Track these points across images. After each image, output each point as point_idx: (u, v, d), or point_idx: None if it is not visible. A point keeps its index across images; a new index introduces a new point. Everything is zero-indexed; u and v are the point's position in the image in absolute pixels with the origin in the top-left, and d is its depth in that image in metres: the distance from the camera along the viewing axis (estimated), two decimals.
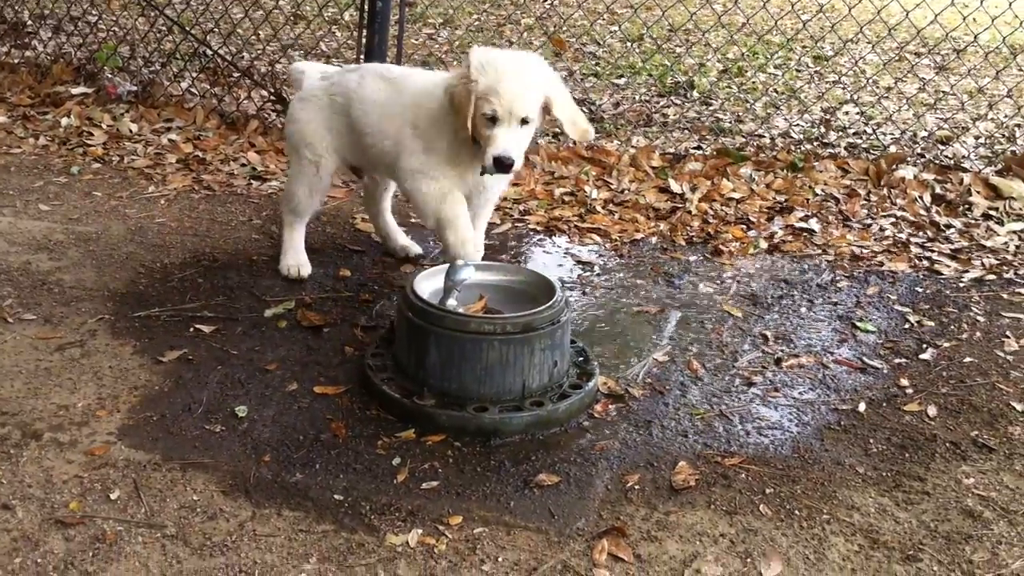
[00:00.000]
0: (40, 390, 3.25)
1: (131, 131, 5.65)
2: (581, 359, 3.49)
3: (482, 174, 3.68)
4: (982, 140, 6.01)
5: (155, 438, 3.05)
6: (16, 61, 6.52)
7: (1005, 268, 4.46)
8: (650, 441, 3.16)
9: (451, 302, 3.33)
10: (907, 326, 3.97)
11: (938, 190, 5.15)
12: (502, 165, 3.52)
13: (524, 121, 3.54)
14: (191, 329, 3.69)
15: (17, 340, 3.54)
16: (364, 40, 5.34)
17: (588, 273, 4.35)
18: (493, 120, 3.51)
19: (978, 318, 4.04)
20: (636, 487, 2.93)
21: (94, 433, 3.05)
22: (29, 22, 7.26)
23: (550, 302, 3.29)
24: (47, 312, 3.75)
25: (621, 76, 7.15)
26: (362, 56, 5.37)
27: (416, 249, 4.41)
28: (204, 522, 2.70)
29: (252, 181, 5.14)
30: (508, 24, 8.17)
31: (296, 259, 4.18)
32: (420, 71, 4.07)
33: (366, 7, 5.30)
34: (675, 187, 5.16)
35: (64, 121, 5.73)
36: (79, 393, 3.25)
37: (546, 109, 3.61)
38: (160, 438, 3.05)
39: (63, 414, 3.14)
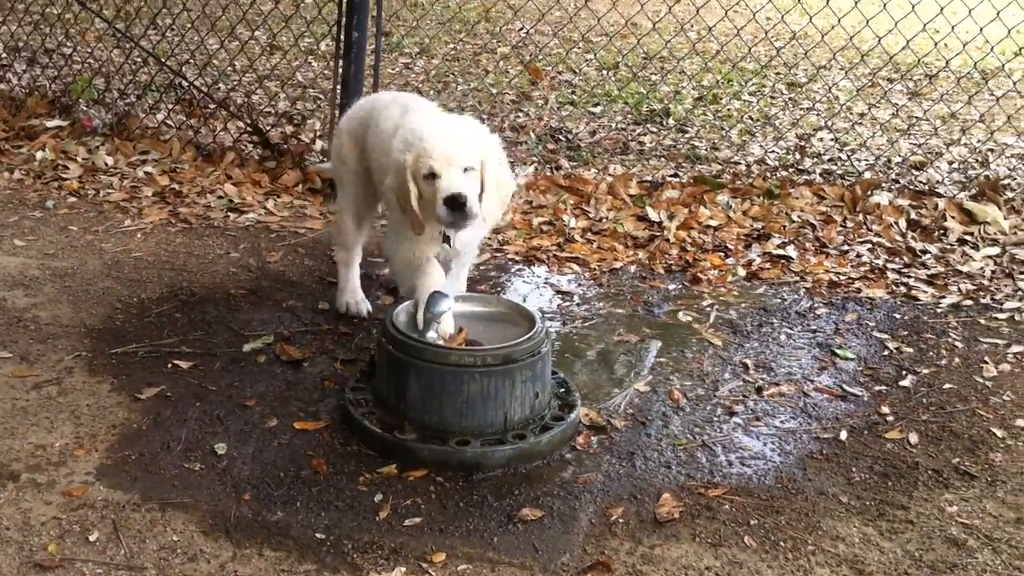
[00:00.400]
0: (17, 430, 3.22)
1: (107, 164, 5.62)
2: (562, 390, 3.48)
3: (445, 241, 3.50)
4: (955, 165, 6.06)
5: (134, 477, 3.02)
6: None
7: (982, 293, 4.49)
8: (633, 473, 3.15)
9: (431, 334, 3.32)
10: (886, 353, 3.99)
11: (913, 216, 5.19)
12: (455, 203, 3.27)
13: (465, 170, 3.32)
14: (169, 365, 3.66)
15: None
16: (340, 70, 5.34)
17: (568, 303, 4.35)
18: (433, 176, 3.32)
19: (956, 344, 4.06)
20: (620, 520, 2.92)
21: (72, 473, 3.02)
22: (3, 55, 7.23)
23: (530, 333, 3.28)
24: (23, 350, 3.71)
25: (597, 104, 7.18)
26: (339, 86, 5.37)
27: None
28: (184, 563, 2.67)
29: (229, 213, 5.12)
30: (484, 53, 8.20)
31: (353, 296, 4.11)
32: (427, 111, 3.75)
33: (342, 37, 5.30)
34: (653, 215, 5.17)
35: (39, 155, 5.69)
36: (56, 432, 3.21)
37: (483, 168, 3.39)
38: (139, 477, 3.02)
39: (40, 454, 3.10)
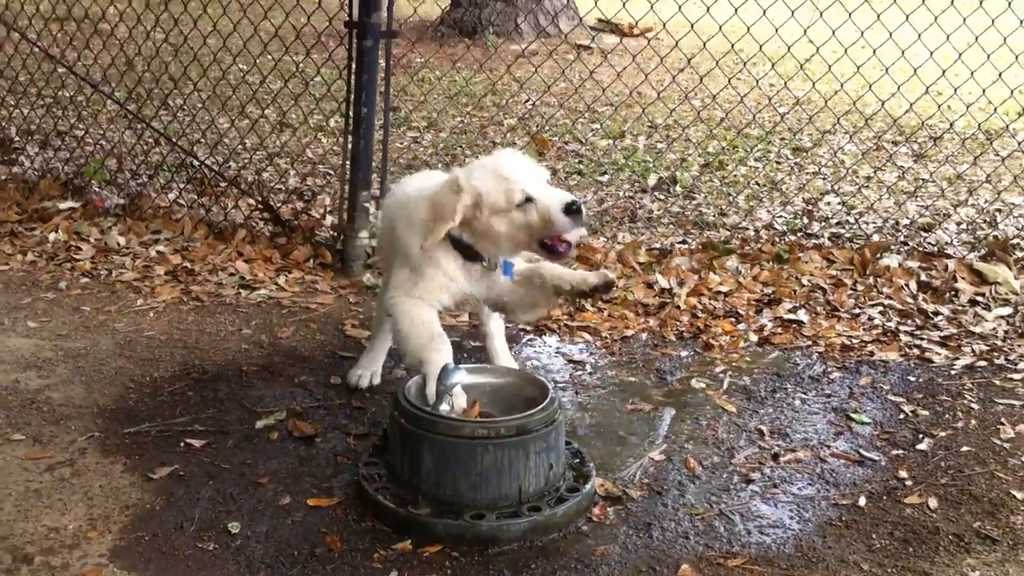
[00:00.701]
0: (30, 512, 3.21)
1: (119, 244, 5.66)
2: (577, 460, 3.46)
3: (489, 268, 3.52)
4: (964, 226, 6.08)
5: (147, 559, 3.00)
6: (3, 177, 6.55)
7: (996, 354, 4.47)
8: (651, 544, 3.12)
9: (443, 407, 3.31)
10: (902, 416, 3.96)
11: (923, 277, 5.19)
12: (573, 207, 3.29)
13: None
14: (182, 444, 3.65)
15: (6, 461, 3.50)
16: (350, 145, 5.40)
17: (580, 372, 4.34)
18: (528, 200, 3.34)
19: (972, 405, 4.03)
20: None
21: (85, 555, 3.00)
22: (16, 138, 7.33)
23: (543, 404, 3.27)
24: (36, 431, 3.71)
25: (604, 173, 7.23)
26: (348, 161, 5.42)
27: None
28: None
29: (241, 290, 5.14)
30: (491, 125, 8.29)
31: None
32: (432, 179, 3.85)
33: (351, 113, 5.37)
34: (663, 282, 5.18)
35: (52, 236, 5.74)
36: (70, 514, 3.20)
37: None
38: (152, 559, 3.00)
39: (54, 536, 3.09)
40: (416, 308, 3.52)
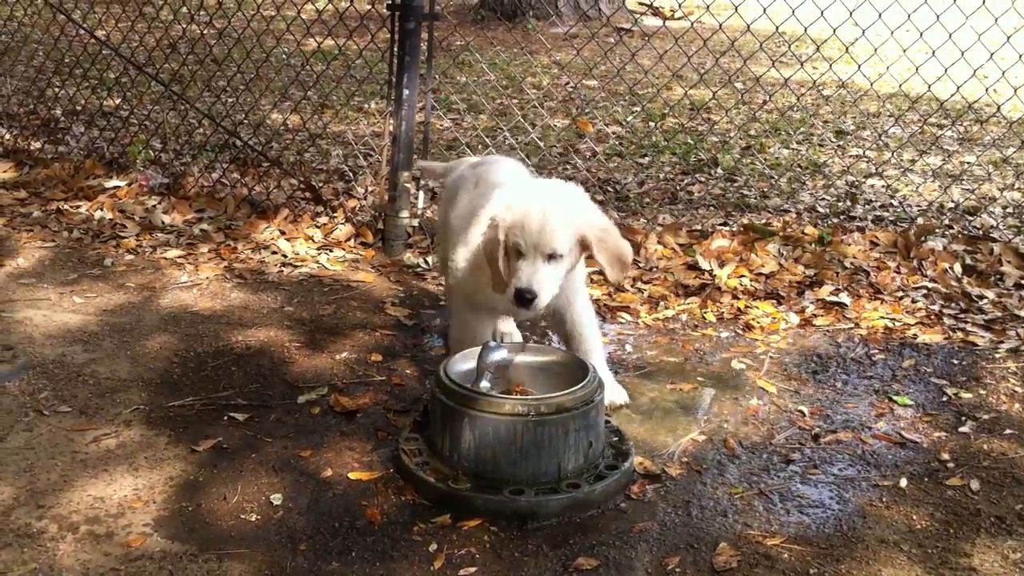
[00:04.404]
0: (76, 482, 3.26)
1: (163, 222, 5.72)
2: (616, 439, 3.46)
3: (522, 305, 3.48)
4: (1009, 209, 6.00)
5: (191, 528, 3.04)
6: (50, 156, 6.64)
7: None
8: (689, 522, 3.12)
9: (484, 384, 3.33)
10: (944, 399, 3.93)
11: (968, 260, 5.13)
12: (521, 299, 3.37)
13: (552, 257, 3.41)
14: (225, 417, 3.69)
15: (53, 432, 3.56)
16: (391, 127, 5.42)
17: (619, 351, 4.33)
18: (519, 253, 3.41)
19: (1016, 389, 3.99)
20: (677, 570, 2.89)
21: (130, 524, 3.05)
22: (62, 118, 7.42)
23: (583, 382, 3.28)
24: (82, 404, 3.77)
25: (645, 155, 7.21)
26: (389, 142, 5.44)
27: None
28: None
29: (283, 268, 5.18)
30: (531, 107, 8.27)
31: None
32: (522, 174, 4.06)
33: (393, 95, 5.38)
34: (703, 264, 5.16)
35: (97, 214, 5.81)
36: (115, 484, 3.25)
37: (584, 245, 3.49)
38: (196, 528, 3.04)
39: (99, 506, 3.13)
40: (472, 318, 3.75)
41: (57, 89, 7.70)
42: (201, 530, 3.04)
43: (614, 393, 3.78)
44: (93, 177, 6.28)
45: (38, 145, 6.86)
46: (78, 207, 5.94)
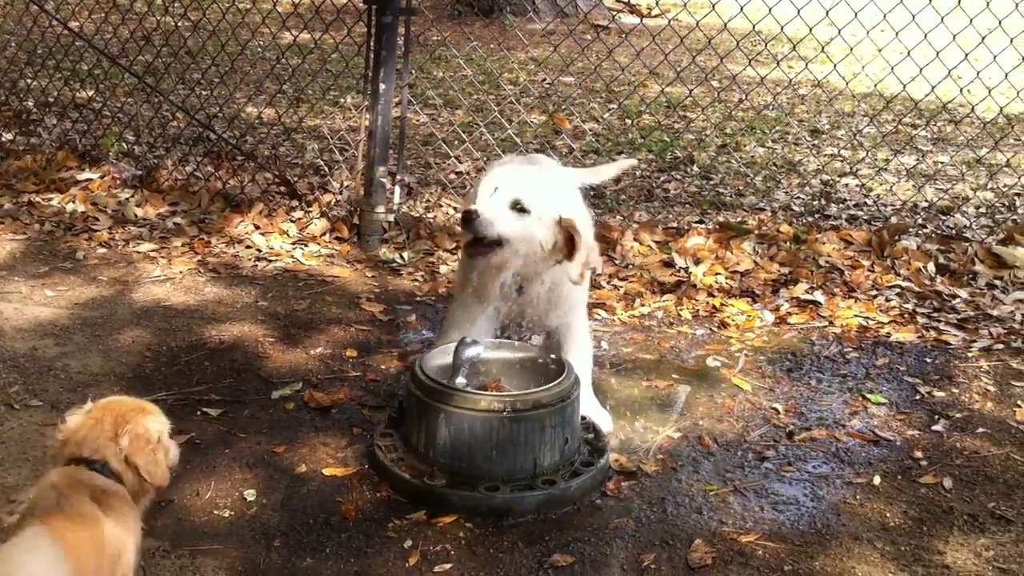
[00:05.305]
0: None
1: (136, 215, 5.67)
2: (592, 435, 3.46)
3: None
4: (983, 209, 6.04)
5: (164, 524, 3.02)
6: (21, 148, 6.56)
7: (1013, 337, 4.45)
8: (664, 519, 3.13)
9: (460, 380, 3.32)
10: (918, 397, 3.95)
11: (941, 260, 5.16)
12: (467, 222, 3.29)
13: (518, 208, 3.33)
14: (198, 413, 3.67)
15: (24, 427, 3.52)
16: (367, 121, 5.39)
17: (595, 349, 4.33)
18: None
19: (988, 388, 4.02)
20: (652, 566, 2.89)
21: None
22: (34, 109, 7.34)
23: (560, 379, 3.28)
24: (53, 398, 3.73)
25: (621, 152, 7.20)
26: (365, 137, 5.42)
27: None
28: None
29: (257, 263, 5.15)
30: (508, 103, 8.26)
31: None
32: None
33: (369, 89, 5.36)
34: (679, 261, 5.17)
35: (69, 207, 5.75)
36: None
37: (568, 234, 3.38)
38: (169, 524, 3.02)
39: None
40: (465, 312, 3.67)
41: (29, 80, 7.61)
42: (174, 526, 3.02)
43: (599, 420, 3.62)
44: (65, 169, 6.21)
45: (10, 137, 6.78)
46: (50, 199, 5.87)
